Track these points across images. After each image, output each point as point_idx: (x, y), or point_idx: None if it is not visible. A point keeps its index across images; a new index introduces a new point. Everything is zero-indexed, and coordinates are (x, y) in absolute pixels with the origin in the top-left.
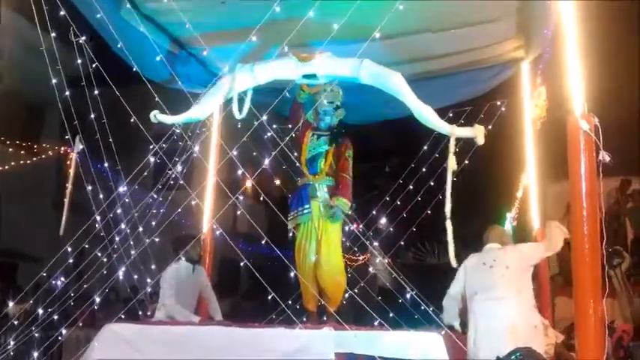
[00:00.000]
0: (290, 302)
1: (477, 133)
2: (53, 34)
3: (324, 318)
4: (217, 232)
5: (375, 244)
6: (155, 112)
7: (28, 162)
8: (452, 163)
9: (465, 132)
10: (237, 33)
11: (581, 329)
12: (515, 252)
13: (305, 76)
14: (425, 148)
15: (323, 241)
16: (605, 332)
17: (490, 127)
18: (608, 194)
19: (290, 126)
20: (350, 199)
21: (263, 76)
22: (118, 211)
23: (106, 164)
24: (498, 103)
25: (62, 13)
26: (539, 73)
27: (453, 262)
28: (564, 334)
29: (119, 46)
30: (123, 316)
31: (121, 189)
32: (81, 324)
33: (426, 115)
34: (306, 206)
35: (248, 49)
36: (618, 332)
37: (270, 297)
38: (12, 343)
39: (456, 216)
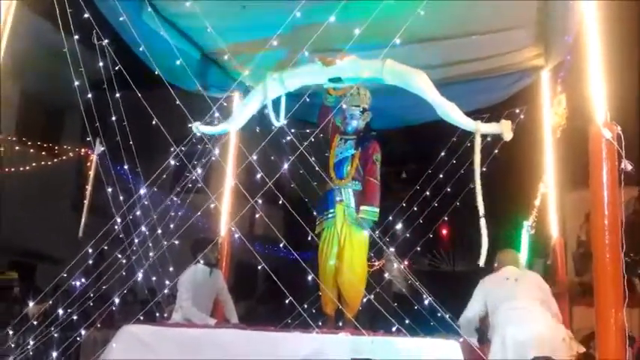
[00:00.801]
0: (306, 306)
1: (504, 128)
2: (76, 37)
3: (340, 323)
4: (235, 236)
5: (392, 249)
6: (197, 123)
7: (49, 163)
8: (478, 161)
9: (491, 128)
10: (258, 38)
11: (602, 339)
12: (537, 278)
13: (331, 80)
14: (442, 154)
15: (346, 247)
16: (626, 342)
17: None
18: (626, 203)
19: (308, 130)
20: (377, 205)
21: (292, 84)
22: (138, 213)
23: (126, 166)
24: (517, 110)
25: (86, 15)
26: (559, 80)
27: (482, 262)
28: (583, 343)
29: (141, 49)
30: (141, 318)
31: (141, 191)
32: (99, 325)
33: (450, 112)
34: (331, 211)
35: (274, 56)
36: (639, 343)
37: (287, 301)
38: (31, 343)
39: (474, 223)
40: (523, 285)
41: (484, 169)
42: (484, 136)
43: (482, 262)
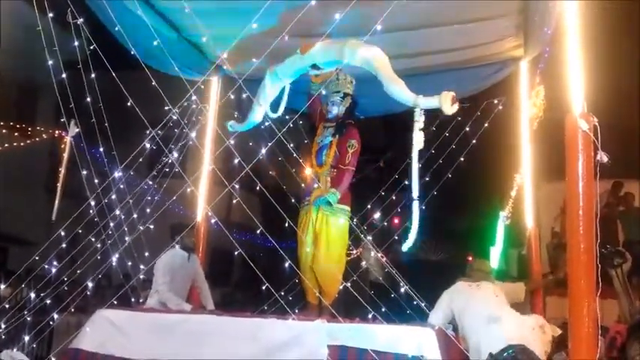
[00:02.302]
0: (283, 293)
1: (443, 101)
2: (51, 15)
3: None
4: (212, 221)
5: (369, 238)
6: (231, 122)
7: (22, 144)
8: (418, 140)
9: (430, 102)
10: (236, 19)
11: (574, 329)
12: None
13: (312, 67)
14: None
15: (322, 234)
16: (599, 332)
17: (486, 124)
18: (600, 196)
19: (287, 117)
20: (341, 189)
21: (285, 76)
22: (113, 196)
23: (101, 149)
24: (495, 101)
25: None
26: (538, 72)
27: (406, 246)
28: None
29: (117, 29)
30: (115, 302)
31: (116, 174)
32: (73, 309)
33: (394, 88)
34: (307, 198)
35: (255, 40)
36: (611, 333)
37: (264, 287)
38: (2, 326)
39: (450, 212)
40: (487, 290)
41: (461, 159)
42: (461, 127)
43: (406, 247)
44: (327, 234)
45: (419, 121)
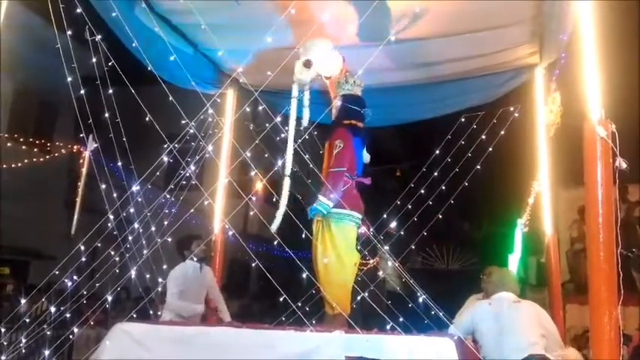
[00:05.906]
0: (300, 304)
1: (295, 69)
2: (69, 32)
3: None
4: (230, 233)
5: (386, 247)
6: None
7: (41, 160)
8: (298, 116)
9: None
10: (252, 34)
11: (596, 338)
12: (534, 310)
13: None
14: (437, 152)
15: (317, 239)
16: (621, 341)
17: (503, 132)
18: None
19: (302, 128)
20: (327, 196)
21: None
22: (131, 210)
23: (119, 163)
24: (511, 108)
25: (78, 10)
26: (553, 78)
27: (274, 227)
28: (575, 341)
29: (134, 45)
30: (134, 316)
31: (134, 188)
32: (92, 323)
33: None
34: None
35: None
36: (635, 341)
37: (281, 299)
38: (23, 340)
39: (468, 221)
40: (513, 328)
41: (478, 167)
42: (477, 135)
43: (274, 227)
44: (322, 238)
45: (295, 96)
